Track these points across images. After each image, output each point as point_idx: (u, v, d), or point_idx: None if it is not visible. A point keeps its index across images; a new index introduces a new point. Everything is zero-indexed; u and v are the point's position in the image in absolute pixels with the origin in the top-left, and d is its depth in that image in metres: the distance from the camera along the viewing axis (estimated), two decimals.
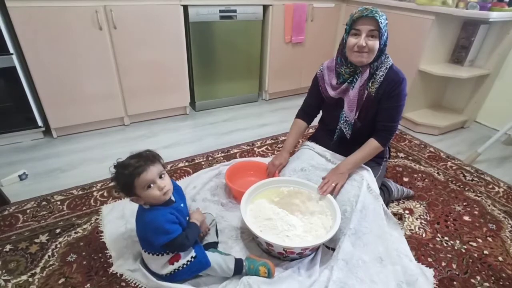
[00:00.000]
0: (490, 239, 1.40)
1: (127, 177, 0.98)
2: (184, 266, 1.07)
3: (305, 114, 1.57)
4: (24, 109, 1.91)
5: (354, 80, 1.32)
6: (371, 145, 1.35)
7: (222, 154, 1.98)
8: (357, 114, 1.36)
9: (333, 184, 1.32)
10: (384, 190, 1.51)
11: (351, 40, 1.25)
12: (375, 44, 1.22)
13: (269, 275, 1.11)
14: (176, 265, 1.07)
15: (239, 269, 1.12)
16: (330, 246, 1.27)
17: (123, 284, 1.12)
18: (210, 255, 1.11)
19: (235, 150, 2.03)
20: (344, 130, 1.42)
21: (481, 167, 1.95)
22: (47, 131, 2.09)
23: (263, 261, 1.13)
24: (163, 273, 1.08)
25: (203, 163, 1.87)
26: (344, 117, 1.39)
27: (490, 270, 1.25)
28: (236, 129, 2.33)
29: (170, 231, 1.01)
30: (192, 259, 1.08)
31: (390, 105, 1.30)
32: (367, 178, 1.34)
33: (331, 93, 1.39)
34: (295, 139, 1.56)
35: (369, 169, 1.39)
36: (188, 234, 1.06)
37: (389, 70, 1.29)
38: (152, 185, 1.00)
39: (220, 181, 1.65)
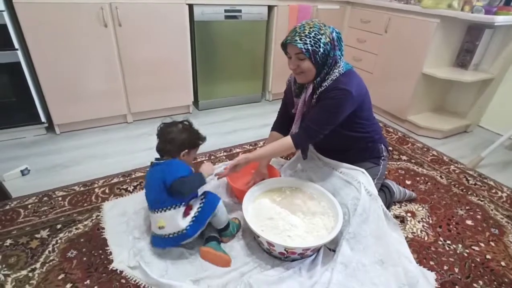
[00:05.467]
0: (492, 243, 1.39)
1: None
2: (199, 209, 1.18)
3: (280, 126, 1.53)
4: (27, 105, 1.91)
5: (302, 95, 1.33)
6: (283, 142, 1.28)
7: (225, 154, 1.97)
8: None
9: (228, 166, 1.31)
10: (386, 191, 1.50)
11: (288, 63, 1.27)
12: (307, 64, 1.21)
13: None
14: (192, 213, 1.17)
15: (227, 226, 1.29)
16: (331, 248, 1.26)
17: (123, 281, 1.12)
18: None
19: (238, 150, 2.03)
20: None
21: (484, 172, 1.94)
22: (50, 127, 2.09)
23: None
24: (184, 226, 1.15)
25: (205, 162, 1.87)
26: (290, 131, 1.38)
27: (492, 275, 1.24)
28: (239, 129, 2.33)
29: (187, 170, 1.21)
30: (203, 200, 1.21)
31: (318, 105, 1.25)
32: (364, 181, 1.32)
33: (293, 110, 1.40)
34: None
35: (364, 171, 1.37)
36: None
37: (334, 81, 1.23)
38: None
39: (222, 180, 1.64)
